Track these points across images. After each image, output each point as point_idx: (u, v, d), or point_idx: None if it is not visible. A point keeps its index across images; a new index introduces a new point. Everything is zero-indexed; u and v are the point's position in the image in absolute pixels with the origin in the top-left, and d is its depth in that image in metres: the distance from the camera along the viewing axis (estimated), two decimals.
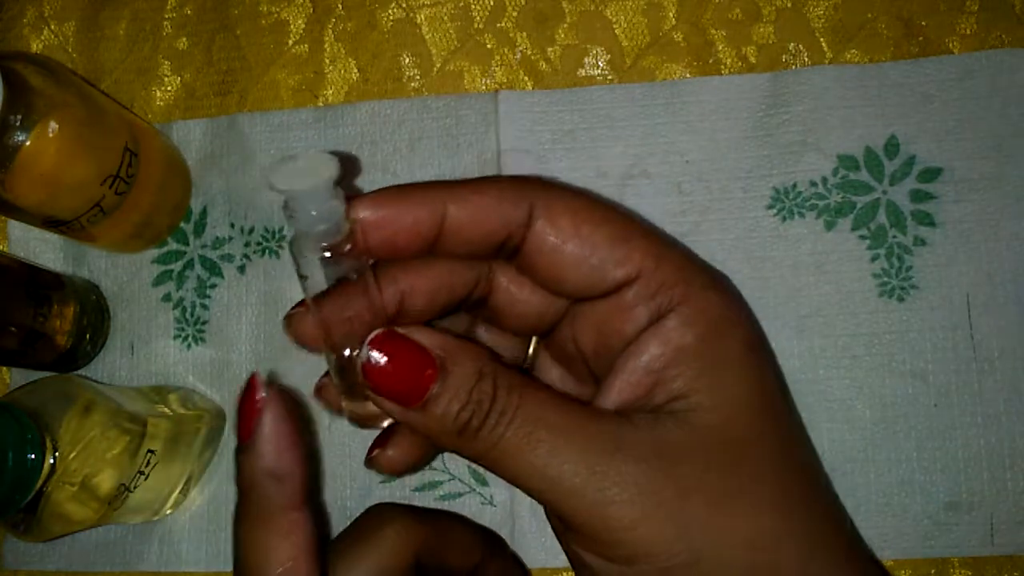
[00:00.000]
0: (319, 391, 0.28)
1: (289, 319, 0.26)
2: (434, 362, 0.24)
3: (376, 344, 0.24)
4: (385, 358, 0.23)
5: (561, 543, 0.26)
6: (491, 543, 0.32)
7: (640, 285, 0.25)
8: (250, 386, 0.25)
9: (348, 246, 0.23)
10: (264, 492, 0.25)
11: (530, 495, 0.24)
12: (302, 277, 0.24)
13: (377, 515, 0.28)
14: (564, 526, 0.25)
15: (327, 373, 0.28)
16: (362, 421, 0.28)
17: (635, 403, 0.25)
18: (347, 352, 0.25)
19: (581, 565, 0.25)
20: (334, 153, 0.23)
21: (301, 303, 0.26)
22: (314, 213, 0.22)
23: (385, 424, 0.28)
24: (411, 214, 0.25)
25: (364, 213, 0.25)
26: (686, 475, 0.24)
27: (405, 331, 0.24)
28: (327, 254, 0.23)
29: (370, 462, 0.28)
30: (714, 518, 0.24)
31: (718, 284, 0.27)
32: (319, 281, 0.24)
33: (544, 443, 0.23)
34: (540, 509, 0.38)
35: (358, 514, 0.39)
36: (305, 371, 0.40)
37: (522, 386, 0.24)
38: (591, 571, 0.24)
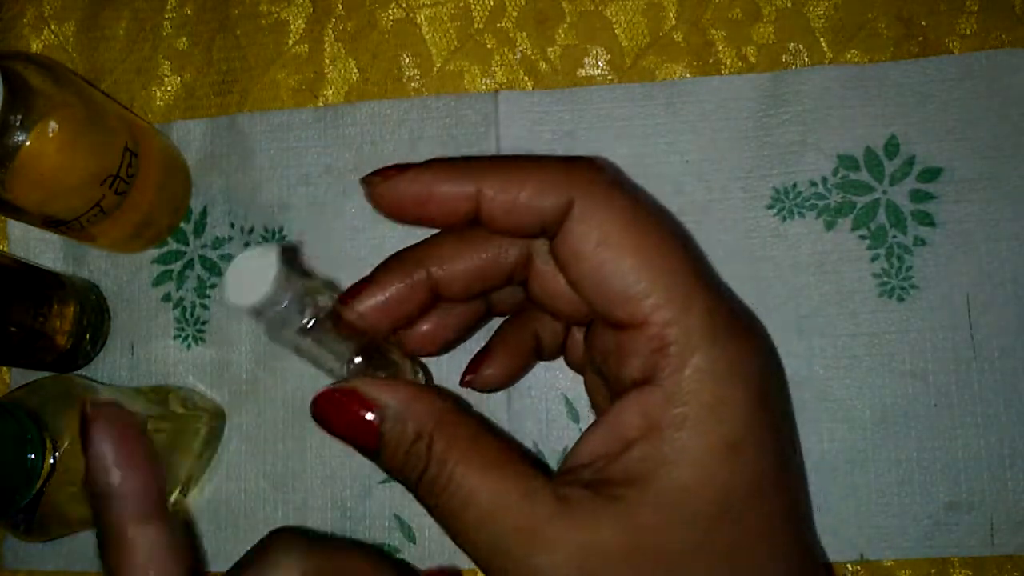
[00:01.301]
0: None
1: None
2: (369, 424, 0.24)
3: (319, 399, 0.24)
4: (328, 411, 0.24)
5: None
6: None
7: (642, 333, 0.23)
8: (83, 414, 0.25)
9: (312, 321, 0.24)
10: (104, 513, 0.24)
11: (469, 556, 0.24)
12: (300, 354, 0.25)
13: (271, 542, 0.26)
14: None
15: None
16: None
17: (602, 459, 0.24)
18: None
19: None
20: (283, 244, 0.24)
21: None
22: (282, 307, 0.24)
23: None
24: (449, 198, 0.24)
25: (401, 187, 0.24)
26: (625, 549, 0.22)
27: (360, 384, 0.24)
28: (307, 333, 0.24)
29: (468, 383, 0.29)
30: None
31: (727, 356, 0.23)
32: (317, 354, 0.25)
33: (471, 521, 0.23)
34: None
35: (358, 514, 0.39)
36: (305, 371, 0.40)
37: (461, 452, 0.23)
38: None
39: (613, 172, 0.25)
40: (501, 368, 0.30)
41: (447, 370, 0.38)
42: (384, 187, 0.25)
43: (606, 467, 0.23)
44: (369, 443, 0.24)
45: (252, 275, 0.23)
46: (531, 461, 0.24)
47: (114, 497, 0.24)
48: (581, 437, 0.25)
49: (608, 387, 0.27)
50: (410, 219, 0.25)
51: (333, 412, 0.24)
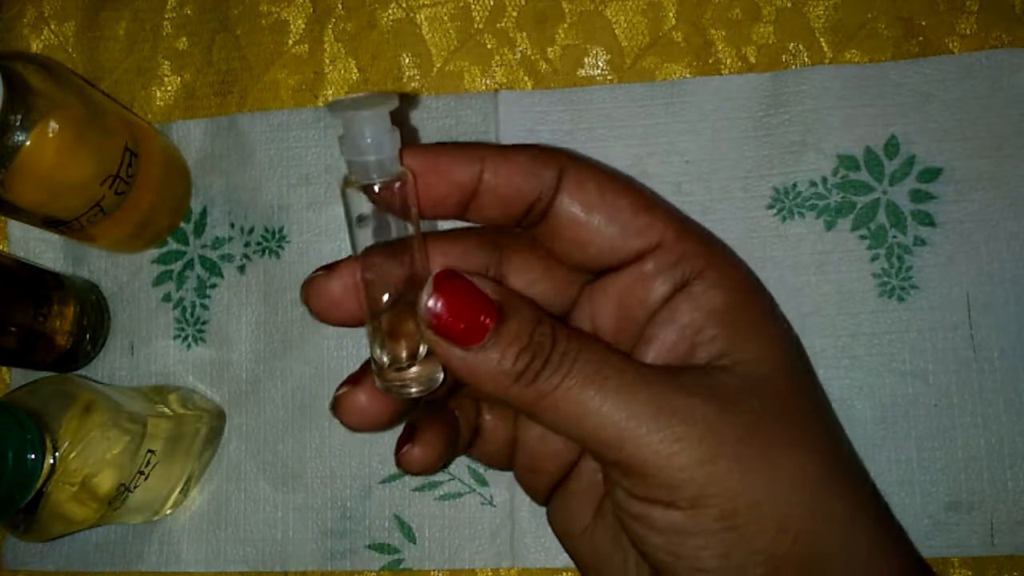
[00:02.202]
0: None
1: (309, 284, 0.26)
2: (493, 304, 0.24)
3: (439, 281, 0.24)
4: (443, 300, 0.23)
5: (615, 501, 0.26)
6: None
7: (661, 254, 0.26)
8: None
9: (399, 184, 0.23)
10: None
11: (587, 443, 0.24)
12: (350, 221, 0.24)
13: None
14: (622, 474, 0.24)
15: (343, 384, 0.28)
16: (400, 386, 0.27)
17: (675, 364, 0.26)
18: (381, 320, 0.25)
19: (637, 518, 0.24)
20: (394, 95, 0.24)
21: (321, 268, 0.26)
22: (369, 141, 0.23)
23: (414, 391, 0.27)
24: (454, 168, 0.25)
25: (409, 161, 0.25)
26: (744, 420, 0.24)
27: (473, 277, 0.24)
28: (377, 188, 0.23)
29: (398, 461, 0.28)
30: (771, 461, 0.24)
31: (736, 257, 0.28)
32: (365, 231, 0.24)
33: (609, 380, 0.23)
34: (540, 509, 0.38)
35: (358, 514, 0.39)
36: (305, 371, 0.40)
37: (580, 334, 0.25)
38: (648, 522, 0.24)
39: (586, 156, 0.28)
40: (430, 448, 0.29)
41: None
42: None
43: (686, 361, 0.26)
44: (484, 326, 0.23)
45: (363, 102, 0.23)
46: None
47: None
48: (637, 366, 0.26)
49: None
50: (419, 192, 0.26)
51: (455, 291, 0.23)
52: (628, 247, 0.26)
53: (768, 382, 0.25)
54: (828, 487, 0.25)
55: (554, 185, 0.26)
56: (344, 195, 0.24)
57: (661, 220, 0.26)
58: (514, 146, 0.27)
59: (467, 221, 0.27)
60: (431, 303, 0.23)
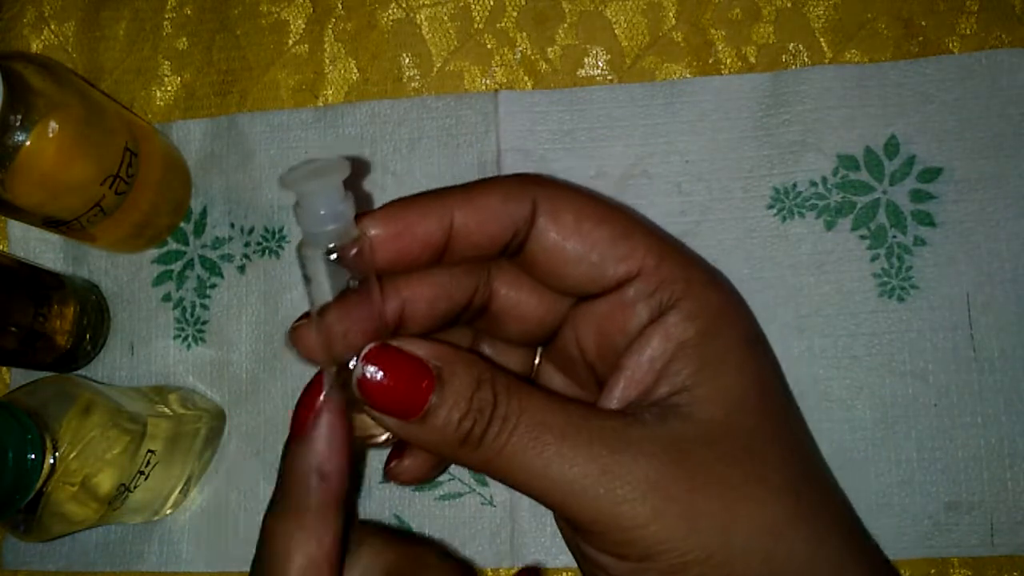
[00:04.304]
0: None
1: (293, 332, 0.26)
2: (431, 373, 0.23)
3: (370, 358, 0.23)
4: (380, 372, 0.23)
5: (570, 546, 0.26)
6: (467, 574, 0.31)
7: (641, 282, 0.26)
8: (315, 383, 0.25)
9: (355, 250, 0.23)
10: (306, 487, 0.24)
11: (538, 500, 0.24)
12: (307, 280, 0.24)
13: (354, 534, 0.27)
14: (574, 528, 0.25)
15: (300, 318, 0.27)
16: (364, 437, 0.27)
17: (640, 399, 0.25)
18: (351, 364, 0.24)
19: (593, 565, 0.25)
20: (346, 158, 0.23)
21: (306, 315, 0.25)
22: (323, 212, 0.23)
23: (382, 439, 0.28)
24: (421, 227, 0.25)
25: (375, 230, 0.25)
26: (695, 469, 0.24)
27: (400, 342, 0.24)
28: (333, 256, 0.23)
29: (388, 475, 0.28)
30: (726, 509, 0.24)
31: (717, 281, 0.27)
32: (324, 288, 0.24)
33: (550, 446, 0.23)
34: (540, 509, 0.38)
35: (358, 514, 0.39)
36: (304, 371, 0.40)
37: (523, 390, 0.24)
38: (604, 570, 0.24)
39: (560, 179, 0.28)
40: (421, 459, 0.29)
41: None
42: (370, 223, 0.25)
43: (650, 394, 0.25)
44: (423, 397, 0.23)
45: (316, 170, 0.22)
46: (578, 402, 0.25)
47: (321, 477, 0.25)
48: (603, 394, 0.26)
49: (592, 371, 0.29)
50: (385, 261, 0.25)
51: (389, 365, 0.23)
52: (608, 276, 0.26)
53: (725, 421, 0.25)
54: (790, 527, 0.24)
55: (529, 218, 0.25)
56: (300, 256, 0.24)
57: (641, 247, 0.26)
58: (482, 184, 0.26)
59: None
60: (366, 378, 0.23)
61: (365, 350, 0.23)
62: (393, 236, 0.25)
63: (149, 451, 0.35)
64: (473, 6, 0.42)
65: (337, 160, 0.23)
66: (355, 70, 0.42)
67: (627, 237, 0.26)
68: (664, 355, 0.25)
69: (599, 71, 0.41)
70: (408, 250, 0.25)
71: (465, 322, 0.29)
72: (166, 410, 0.37)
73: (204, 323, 0.41)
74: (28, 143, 0.32)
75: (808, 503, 0.25)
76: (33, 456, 0.31)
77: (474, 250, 0.26)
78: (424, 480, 0.29)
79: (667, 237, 0.27)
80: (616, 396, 0.26)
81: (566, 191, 0.26)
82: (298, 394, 0.40)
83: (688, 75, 0.40)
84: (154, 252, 0.42)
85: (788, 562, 0.24)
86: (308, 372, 0.41)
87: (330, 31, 0.43)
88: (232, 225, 0.42)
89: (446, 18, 0.42)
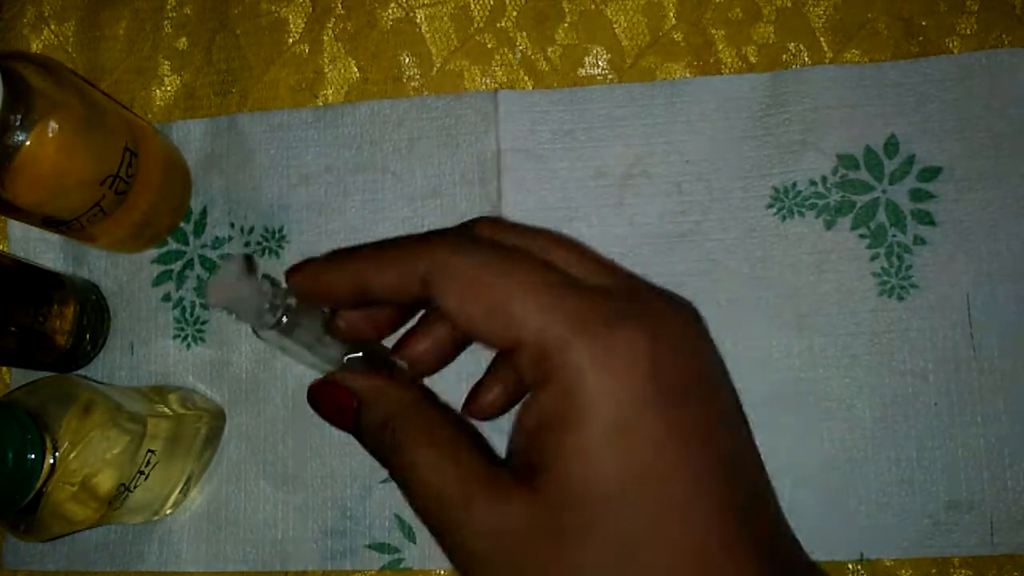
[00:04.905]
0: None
1: (315, 396, 0.30)
2: (352, 397, 0.28)
3: (312, 388, 0.29)
4: (317, 399, 0.29)
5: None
6: None
7: (523, 353, 0.25)
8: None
9: (292, 300, 0.28)
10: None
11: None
12: (283, 351, 0.29)
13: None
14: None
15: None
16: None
17: (519, 451, 0.26)
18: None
19: None
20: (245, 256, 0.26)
21: (319, 381, 0.30)
22: (253, 304, 0.27)
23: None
24: (334, 285, 0.28)
25: (295, 288, 0.29)
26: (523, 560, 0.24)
27: (339, 376, 0.29)
28: (284, 321, 0.28)
29: (472, 412, 0.32)
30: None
31: (603, 344, 0.25)
32: (299, 348, 0.29)
33: (421, 497, 0.26)
34: None
35: (358, 514, 0.39)
36: (304, 371, 0.40)
37: (416, 437, 0.27)
38: None
39: (462, 236, 0.29)
40: (497, 395, 0.32)
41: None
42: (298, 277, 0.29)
43: (522, 456, 0.26)
44: (349, 427, 0.29)
45: (222, 277, 0.27)
46: (479, 446, 0.26)
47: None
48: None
49: None
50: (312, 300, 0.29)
51: (321, 399, 0.29)
52: (501, 341, 0.26)
53: (573, 492, 0.24)
54: None
55: (422, 291, 0.27)
56: (261, 339, 0.29)
57: (515, 320, 0.25)
58: (389, 245, 0.28)
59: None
60: (312, 402, 0.29)
61: (311, 383, 0.29)
62: (313, 295, 0.29)
63: (149, 451, 0.35)
64: (473, 6, 0.42)
65: (233, 259, 0.27)
66: (355, 70, 0.42)
67: (507, 307, 0.25)
68: (531, 427, 0.26)
69: (599, 71, 0.41)
70: (333, 302, 0.29)
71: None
72: (166, 410, 0.37)
73: (204, 323, 0.41)
74: (28, 143, 0.32)
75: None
76: (33, 456, 0.31)
77: (388, 301, 0.28)
78: (502, 412, 0.32)
79: (565, 289, 0.26)
80: (512, 442, 0.27)
81: (454, 263, 0.26)
82: (298, 394, 0.40)
83: (688, 75, 0.40)
84: (154, 252, 0.42)
85: None
86: (308, 372, 0.41)
87: (330, 30, 0.43)
88: (232, 225, 0.42)
89: (446, 18, 0.42)
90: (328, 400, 0.29)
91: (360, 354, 0.30)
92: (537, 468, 0.25)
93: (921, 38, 0.39)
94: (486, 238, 0.29)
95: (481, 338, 0.26)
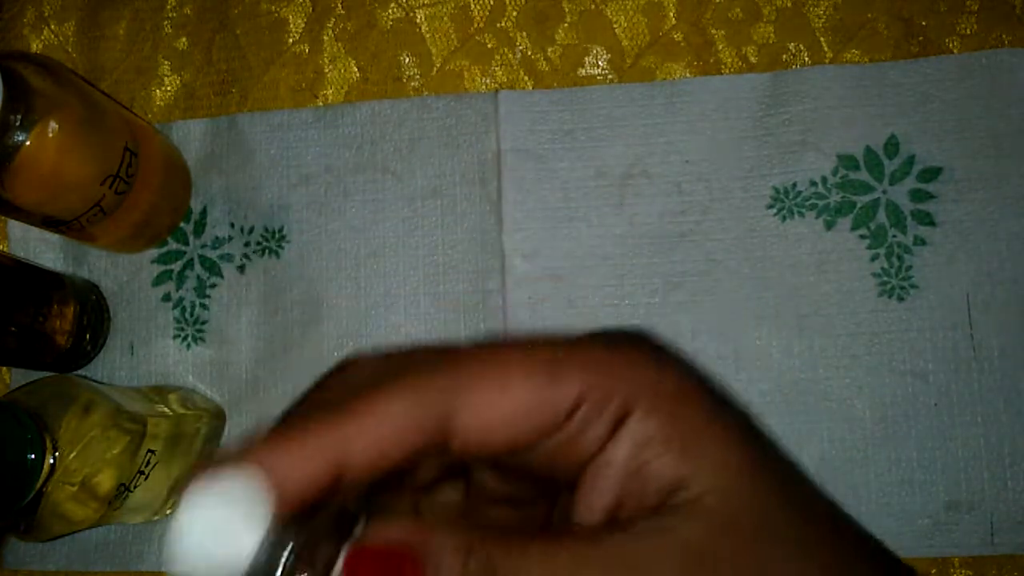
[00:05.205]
0: None
1: None
2: (411, 556, 0.21)
3: (348, 566, 0.21)
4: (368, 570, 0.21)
5: None
6: None
7: (588, 406, 0.23)
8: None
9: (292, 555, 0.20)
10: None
11: None
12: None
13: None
14: None
15: None
16: None
17: (620, 507, 0.23)
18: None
19: None
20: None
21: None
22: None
23: None
24: (301, 476, 0.20)
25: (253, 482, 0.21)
26: (719, 567, 0.22)
27: (374, 531, 0.22)
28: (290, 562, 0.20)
29: None
30: None
31: (662, 360, 0.24)
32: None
33: None
34: None
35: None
36: (305, 371, 0.40)
37: (518, 543, 0.22)
38: None
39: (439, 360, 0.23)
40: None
41: None
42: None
43: (637, 505, 0.23)
44: None
45: (190, 529, 0.19)
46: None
47: None
48: (575, 512, 0.23)
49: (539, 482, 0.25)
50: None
51: (363, 565, 0.21)
52: (556, 418, 0.22)
53: (731, 506, 0.22)
54: None
55: (443, 437, 0.22)
56: None
57: (574, 371, 0.22)
58: (377, 401, 0.21)
59: None
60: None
61: (342, 557, 0.21)
62: (273, 487, 0.20)
63: (149, 451, 0.35)
64: (473, 6, 0.42)
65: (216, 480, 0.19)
66: (355, 70, 0.42)
67: (559, 370, 0.22)
68: (636, 461, 0.23)
69: (599, 71, 0.41)
70: (286, 504, 0.21)
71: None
72: (166, 410, 0.37)
73: (204, 323, 0.41)
74: (28, 143, 0.32)
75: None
76: (33, 456, 0.31)
77: (377, 476, 0.22)
78: None
79: (600, 342, 0.23)
80: (596, 508, 0.23)
81: (482, 367, 0.22)
82: (298, 393, 0.40)
83: (688, 75, 0.40)
84: (154, 252, 0.42)
85: None
86: (307, 372, 0.41)
87: (330, 30, 0.43)
88: (232, 225, 0.42)
89: (446, 18, 0.42)
90: (384, 567, 0.21)
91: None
92: (676, 485, 0.22)
93: (921, 38, 0.39)
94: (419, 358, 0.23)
95: (533, 426, 0.22)
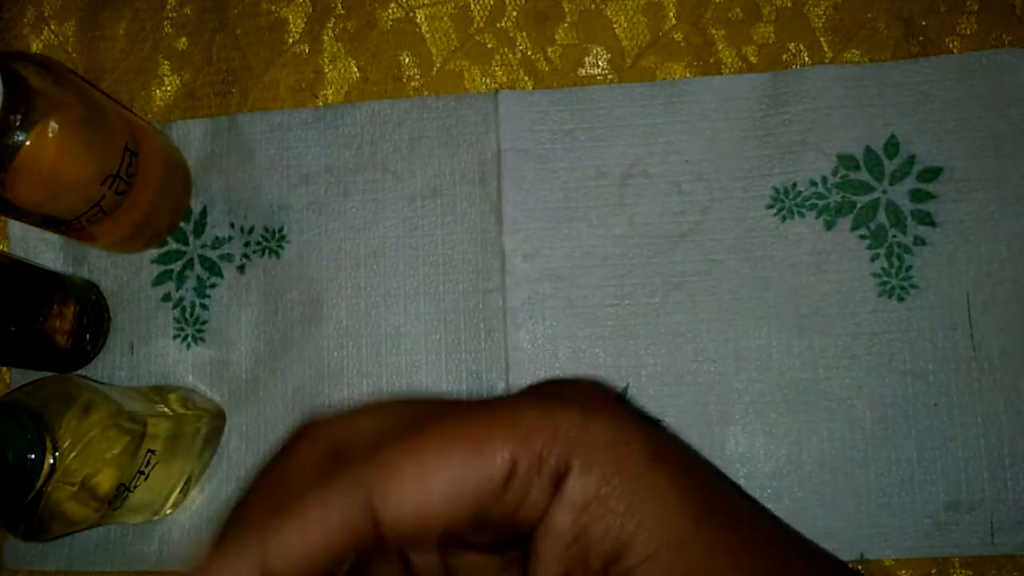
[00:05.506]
0: None
1: None
2: None
3: None
4: None
5: None
6: None
7: (522, 470, 0.22)
8: None
9: None
10: None
11: None
12: None
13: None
14: None
15: None
16: None
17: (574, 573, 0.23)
18: None
19: None
20: None
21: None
22: None
23: None
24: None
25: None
26: None
27: None
28: None
29: None
30: None
31: (590, 406, 0.23)
32: None
33: None
34: None
35: None
36: (305, 371, 0.40)
37: None
38: None
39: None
40: None
41: None
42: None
43: (586, 570, 0.23)
44: None
45: None
46: None
47: None
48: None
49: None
50: None
51: None
52: (490, 488, 0.22)
53: (680, 562, 0.22)
54: None
55: (370, 526, 0.21)
56: None
57: (500, 436, 0.22)
58: (304, 506, 0.21)
59: None
60: None
61: None
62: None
63: (149, 451, 0.35)
64: (473, 6, 0.42)
65: None
66: (355, 70, 0.42)
67: (481, 446, 0.22)
68: (577, 524, 0.22)
69: (599, 71, 0.41)
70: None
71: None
72: (166, 410, 0.37)
73: (204, 323, 0.41)
74: (28, 143, 0.32)
75: None
76: (33, 456, 0.31)
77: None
78: None
79: (526, 399, 0.23)
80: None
81: (401, 455, 0.21)
82: (298, 394, 0.40)
83: (688, 75, 0.40)
84: (154, 252, 0.42)
85: None
86: (307, 372, 0.41)
87: (330, 30, 0.43)
88: (232, 225, 0.42)
89: (446, 18, 0.42)
90: None
91: None
92: (622, 546, 0.22)
93: (921, 38, 0.39)
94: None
95: (461, 505, 0.21)
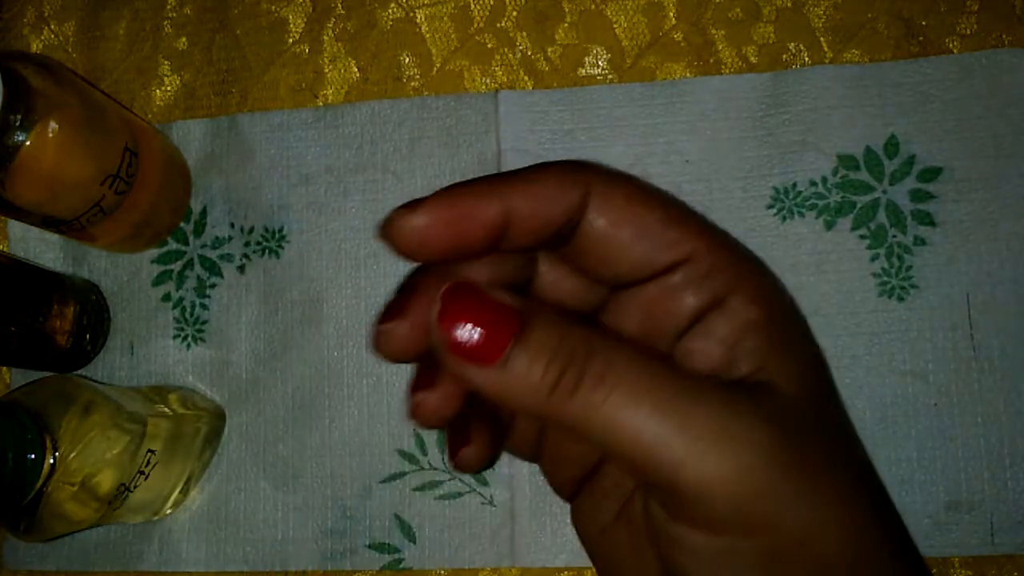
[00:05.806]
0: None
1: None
2: (514, 314, 0.21)
3: (448, 295, 0.22)
4: (454, 315, 0.21)
5: (650, 519, 0.24)
6: None
7: (691, 267, 0.25)
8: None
9: None
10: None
11: (634, 463, 0.22)
12: None
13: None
14: (667, 496, 0.22)
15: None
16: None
17: (713, 376, 0.24)
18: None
19: (673, 540, 0.23)
20: None
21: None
22: None
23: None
24: (479, 208, 0.24)
25: (430, 211, 0.23)
26: (795, 448, 0.22)
27: (488, 288, 0.22)
28: None
29: (457, 463, 0.27)
30: (821, 496, 0.22)
31: (765, 269, 0.27)
32: None
33: (664, 396, 0.21)
34: (541, 508, 0.38)
35: (358, 514, 0.39)
36: (305, 371, 0.40)
37: (620, 339, 0.23)
38: (686, 547, 0.22)
39: (611, 168, 0.27)
40: (485, 448, 0.27)
41: None
42: (410, 219, 0.23)
43: (724, 372, 0.24)
44: (505, 338, 0.21)
45: None
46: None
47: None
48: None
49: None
50: (440, 250, 0.24)
51: (467, 303, 0.21)
52: (657, 261, 0.25)
53: (806, 405, 0.24)
54: (870, 528, 0.23)
55: (581, 204, 0.25)
56: None
57: (692, 233, 0.25)
58: (536, 170, 0.25)
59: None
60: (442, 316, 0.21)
61: (444, 287, 0.22)
62: (452, 221, 0.23)
63: (149, 451, 0.35)
64: (473, 6, 0.42)
65: None
66: (355, 70, 0.42)
67: (679, 222, 0.25)
68: (733, 335, 0.24)
69: (599, 71, 0.41)
70: (467, 237, 0.23)
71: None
72: (166, 410, 0.37)
73: (204, 323, 0.41)
74: (28, 143, 0.32)
75: (882, 512, 0.25)
76: (33, 456, 0.31)
77: (531, 235, 0.24)
78: (484, 468, 0.28)
79: (721, 230, 0.26)
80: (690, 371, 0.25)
81: (617, 176, 0.25)
82: (298, 394, 0.40)
83: (688, 75, 0.40)
84: (154, 252, 0.42)
85: (867, 559, 0.23)
86: (307, 372, 0.41)
87: (330, 30, 0.43)
88: (232, 225, 0.42)
89: (446, 18, 0.42)
90: (474, 313, 0.21)
91: None
92: (762, 368, 0.24)
93: (921, 38, 0.39)
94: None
95: (639, 255, 0.25)
